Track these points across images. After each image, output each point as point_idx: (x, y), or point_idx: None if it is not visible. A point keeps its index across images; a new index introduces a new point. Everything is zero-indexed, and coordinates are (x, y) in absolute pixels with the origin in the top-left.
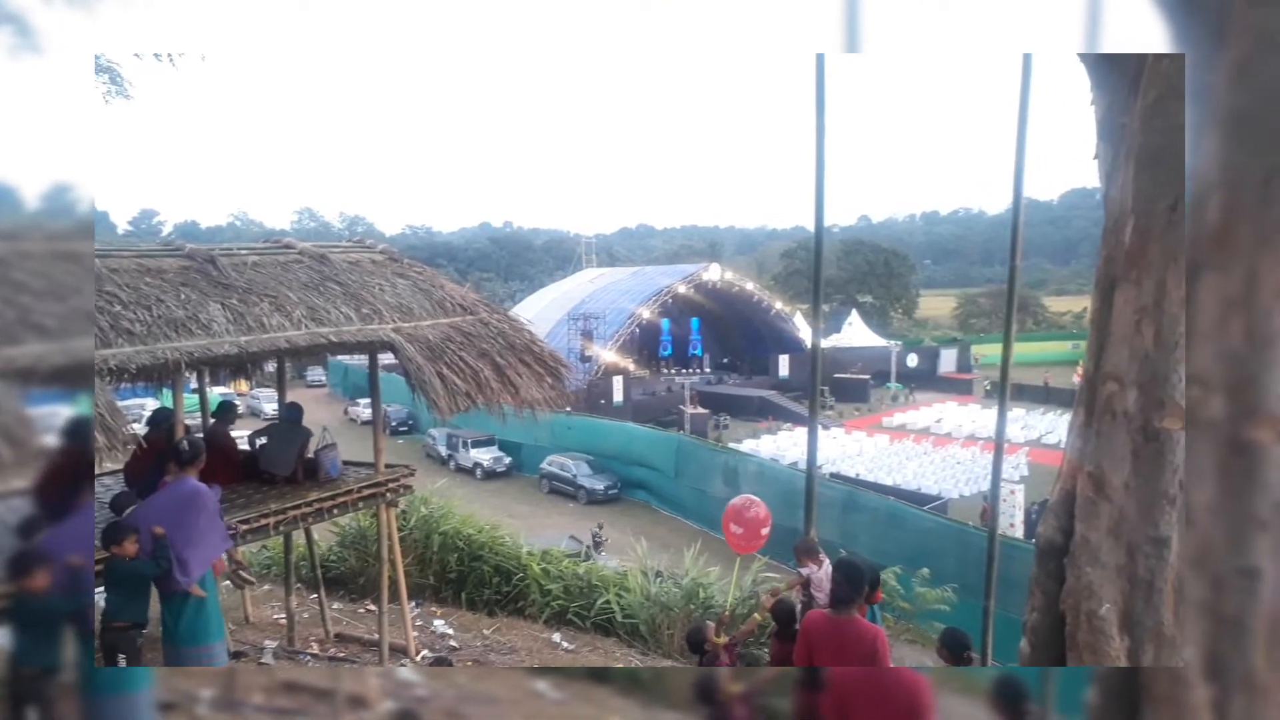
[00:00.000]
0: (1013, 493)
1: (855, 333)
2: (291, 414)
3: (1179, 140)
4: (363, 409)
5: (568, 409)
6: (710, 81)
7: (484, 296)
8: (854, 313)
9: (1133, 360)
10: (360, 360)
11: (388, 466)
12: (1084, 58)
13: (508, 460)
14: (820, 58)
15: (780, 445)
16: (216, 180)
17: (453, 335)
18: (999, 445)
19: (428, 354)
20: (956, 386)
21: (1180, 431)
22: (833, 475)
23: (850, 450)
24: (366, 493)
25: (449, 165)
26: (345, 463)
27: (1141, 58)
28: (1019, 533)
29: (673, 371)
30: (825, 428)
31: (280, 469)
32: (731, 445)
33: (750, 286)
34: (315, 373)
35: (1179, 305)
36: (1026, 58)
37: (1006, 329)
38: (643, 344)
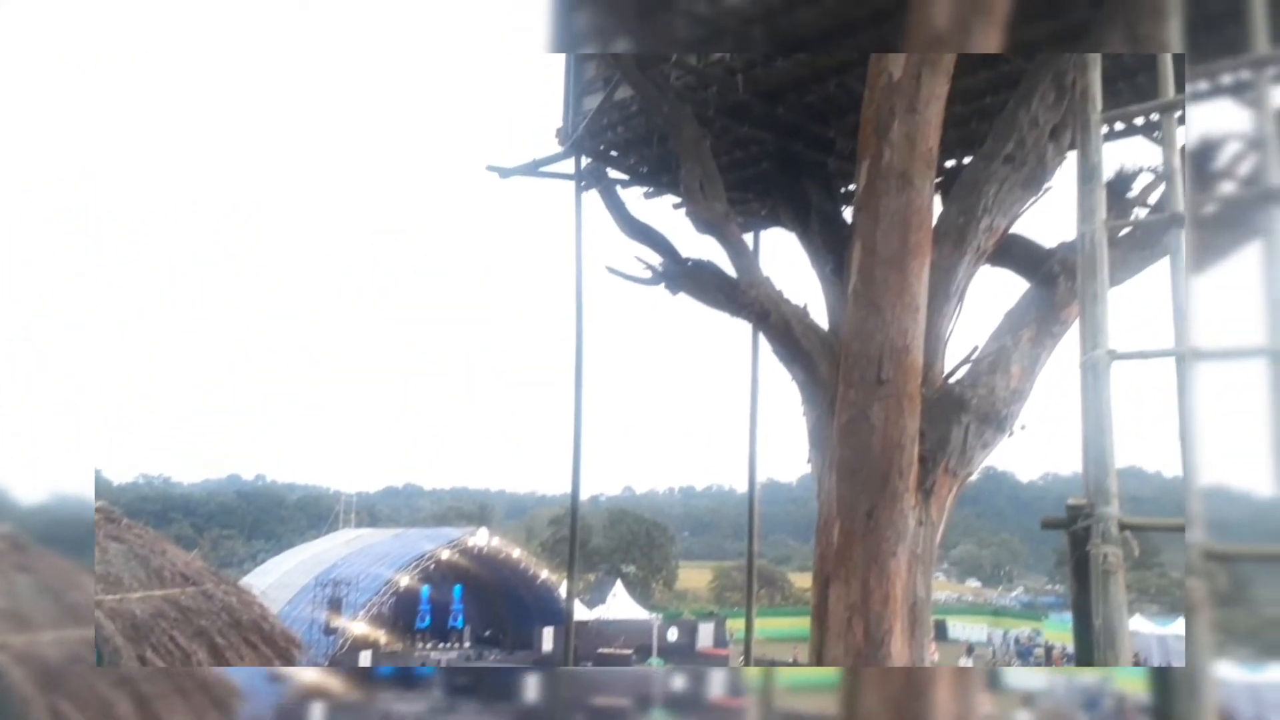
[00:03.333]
0: None
1: (620, 603)
2: None
3: (869, 458)
4: None
5: None
6: (483, 337)
7: (210, 566)
8: (619, 583)
9: (848, 654)
10: None
11: None
12: (793, 375)
13: None
14: (579, 345)
15: None
16: None
17: (166, 611)
18: None
19: (132, 633)
20: (714, 662)
21: None
22: None
23: None
24: None
25: (199, 412)
26: None
27: (835, 384)
28: None
29: (429, 645)
30: None
31: None
32: None
33: (517, 554)
34: None
35: (881, 604)
36: (755, 360)
37: (748, 610)
38: (398, 613)
